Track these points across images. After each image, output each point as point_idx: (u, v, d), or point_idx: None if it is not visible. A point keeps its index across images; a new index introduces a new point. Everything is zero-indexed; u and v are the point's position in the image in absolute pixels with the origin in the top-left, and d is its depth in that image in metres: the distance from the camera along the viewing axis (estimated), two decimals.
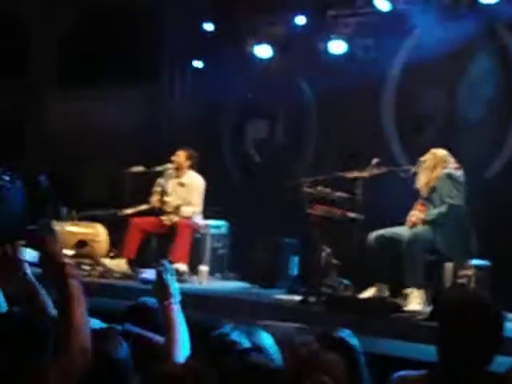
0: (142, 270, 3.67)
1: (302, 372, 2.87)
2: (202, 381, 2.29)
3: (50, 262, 2.89)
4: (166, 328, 3.39)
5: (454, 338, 3.10)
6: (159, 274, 3.51)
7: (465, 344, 3.07)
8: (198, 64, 10.94)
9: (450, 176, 7.54)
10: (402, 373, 2.92)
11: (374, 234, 7.70)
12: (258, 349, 3.28)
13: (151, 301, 3.89)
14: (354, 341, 3.37)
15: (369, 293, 7.67)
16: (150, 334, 3.50)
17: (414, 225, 7.60)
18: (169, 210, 9.52)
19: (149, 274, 3.76)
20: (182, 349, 3.33)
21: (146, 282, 3.84)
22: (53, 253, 2.91)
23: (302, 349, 3.10)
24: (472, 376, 3.02)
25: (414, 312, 7.27)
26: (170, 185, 9.70)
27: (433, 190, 7.62)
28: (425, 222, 7.55)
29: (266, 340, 3.53)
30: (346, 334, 3.40)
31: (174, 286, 3.52)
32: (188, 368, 2.44)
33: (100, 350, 2.82)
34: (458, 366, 3.08)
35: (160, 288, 3.49)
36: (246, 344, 3.21)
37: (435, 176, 7.60)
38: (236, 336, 3.30)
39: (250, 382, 2.67)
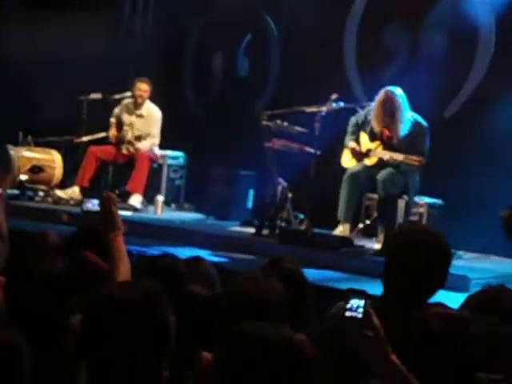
0: (86, 199, 3.61)
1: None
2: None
3: None
4: (110, 257, 3.35)
5: (399, 271, 3.11)
6: (105, 205, 3.42)
7: (408, 277, 3.08)
8: None
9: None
10: (342, 303, 2.93)
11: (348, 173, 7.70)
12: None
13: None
14: (300, 271, 3.38)
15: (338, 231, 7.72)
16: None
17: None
18: (127, 140, 9.43)
19: (91, 204, 3.62)
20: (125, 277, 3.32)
21: (87, 212, 3.70)
22: None
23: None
24: (410, 309, 3.04)
25: (363, 247, 7.36)
26: (127, 117, 9.59)
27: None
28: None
29: (211, 270, 3.53)
30: (292, 263, 3.40)
31: (119, 217, 3.43)
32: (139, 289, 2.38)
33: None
34: (400, 298, 3.09)
35: (105, 219, 3.41)
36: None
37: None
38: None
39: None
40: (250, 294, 2.74)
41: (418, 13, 8.96)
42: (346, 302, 2.31)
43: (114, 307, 2.20)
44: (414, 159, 7.31)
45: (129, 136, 9.43)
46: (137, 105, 9.58)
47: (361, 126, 7.86)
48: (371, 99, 7.95)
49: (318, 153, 7.84)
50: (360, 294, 2.33)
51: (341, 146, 8.01)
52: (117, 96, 9.59)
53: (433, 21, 8.95)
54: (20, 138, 9.83)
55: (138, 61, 10.78)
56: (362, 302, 2.30)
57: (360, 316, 2.29)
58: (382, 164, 7.64)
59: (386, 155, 7.54)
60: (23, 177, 9.36)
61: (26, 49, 10.57)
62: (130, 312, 2.19)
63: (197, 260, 3.43)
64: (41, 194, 9.49)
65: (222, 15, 10.42)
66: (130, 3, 11.19)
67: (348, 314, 2.30)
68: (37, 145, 9.90)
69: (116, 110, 9.65)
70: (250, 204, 9.29)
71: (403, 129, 7.55)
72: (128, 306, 2.20)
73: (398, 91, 7.60)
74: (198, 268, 3.35)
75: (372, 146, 7.75)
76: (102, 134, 9.62)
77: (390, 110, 7.56)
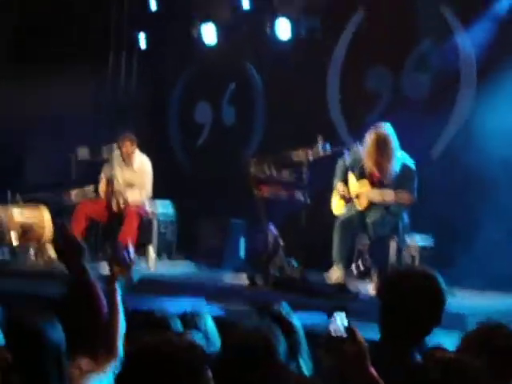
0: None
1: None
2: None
3: None
4: (110, 308, 3.42)
5: (395, 314, 3.11)
6: (64, 234, 3.50)
7: (404, 320, 3.08)
8: (143, 42, 10.82)
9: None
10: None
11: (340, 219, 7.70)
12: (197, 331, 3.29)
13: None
14: (291, 315, 3.39)
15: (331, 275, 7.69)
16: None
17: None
18: (116, 195, 9.43)
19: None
20: (121, 328, 3.34)
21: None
22: None
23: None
24: (408, 352, 3.03)
25: (358, 293, 7.33)
26: (119, 172, 9.60)
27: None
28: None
29: (209, 324, 3.53)
30: (284, 308, 3.41)
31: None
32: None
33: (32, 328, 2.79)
34: (397, 341, 3.09)
35: (71, 246, 3.48)
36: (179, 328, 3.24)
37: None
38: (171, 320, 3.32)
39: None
40: (248, 348, 2.75)
41: (400, 54, 9.06)
42: (330, 318, 2.35)
43: (159, 358, 2.19)
44: (405, 198, 7.32)
45: (118, 190, 9.43)
46: (125, 161, 9.60)
47: (349, 168, 7.86)
48: (357, 141, 7.98)
49: (308, 198, 7.85)
50: (341, 310, 2.37)
51: (330, 191, 8.01)
52: (105, 155, 9.57)
53: (414, 61, 9.04)
54: (9, 197, 9.81)
55: (124, 114, 10.83)
56: (344, 319, 2.34)
57: (344, 334, 2.32)
58: (371, 205, 7.63)
59: (376, 197, 7.54)
60: (14, 242, 9.32)
61: (11, 105, 10.59)
62: (175, 364, 2.19)
63: (193, 313, 3.44)
64: (32, 252, 9.43)
65: (205, 66, 10.50)
66: (114, 57, 11.28)
67: (332, 333, 2.34)
68: (26, 202, 9.88)
69: (106, 167, 9.66)
70: (242, 252, 9.27)
71: (394, 166, 7.53)
72: (173, 358, 2.20)
73: (388, 128, 7.60)
74: (195, 321, 3.35)
75: (361, 188, 7.74)
76: (91, 189, 9.61)
77: (382, 149, 7.50)
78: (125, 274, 3.56)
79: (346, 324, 2.36)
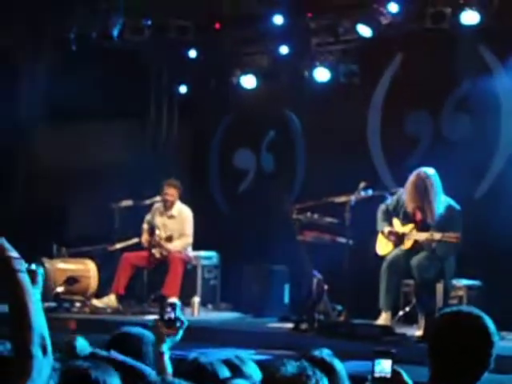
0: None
1: None
2: None
3: None
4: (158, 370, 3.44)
5: (444, 357, 3.06)
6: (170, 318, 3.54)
7: (453, 362, 3.03)
8: (183, 90, 10.96)
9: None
10: None
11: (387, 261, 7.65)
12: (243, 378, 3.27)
13: (134, 329, 3.88)
14: (334, 361, 3.36)
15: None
16: (134, 362, 3.47)
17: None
18: (159, 243, 9.49)
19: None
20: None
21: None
22: None
23: None
24: None
25: (405, 335, 7.24)
26: (160, 219, 9.68)
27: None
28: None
29: (254, 371, 3.52)
30: (326, 354, 3.38)
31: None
32: None
33: (87, 375, 2.79)
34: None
35: (162, 329, 3.53)
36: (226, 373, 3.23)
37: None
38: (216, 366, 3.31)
39: None
40: None
41: (439, 96, 9.05)
42: (374, 363, 2.33)
43: None
44: (452, 236, 7.23)
45: (161, 238, 9.49)
46: (167, 207, 9.67)
47: (392, 212, 7.82)
48: (399, 185, 7.96)
49: (351, 242, 7.82)
50: (387, 354, 2.35)
51: (373, 234, 7.97)
52: (147, 201, 9.69)
53: (454, 102, 9.02)
54: (54, 250, 9.92)
55: (166, 164, 10.94)
56: (389, 362, 2.32)
57: (388, 376, 2.31)
58: (417, 247, 7.56)
59: (423, 236, 7.46)
60: (59, 289, 9.40)
61: (55, 161, 10.76)
62: None
63: (238, 359, 3.43)
64: (77, 304, 9.51)
65: (244, 112, 10.57)
66: (155, 108, 11.42)
67: (377, 374, 2.32)
68: (71, 255, 9.98)
69: (148, 216, 9.74)
70: (286, 299, 9.24)
71: (438, 209, 7.49)
72: None
73: (431, 171, 7.57)
74: (241, 368, 3.34)
75: (406, 229, 7.69)
76: (135, 240, 9.69)
77: (423, 191, 7.49)
78: (173, 335, 3.60)
79: (391, 367, 2.34)
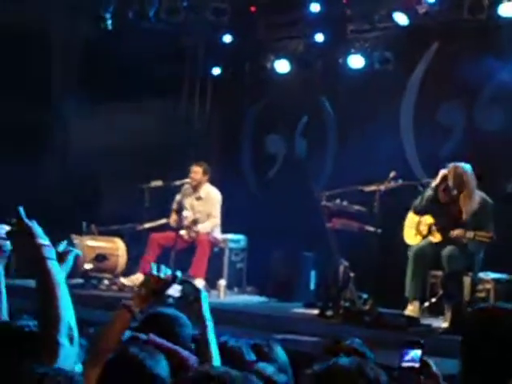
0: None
1: None
2: None
3: (25, 243, 2.65)
4: (202, 350, 3.32)
5: (478, 349, 3.06)
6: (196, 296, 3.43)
7: (488, 355, 3.03)
8: (216, 72, 10.99)
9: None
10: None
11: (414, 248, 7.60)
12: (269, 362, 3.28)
13: (167, 310, 3.79)
14: (365, 349, 3.35)
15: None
16: (175, 347, 3.38)
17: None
18: (187, 224, 9.54)
19: (173, 290, 3.52)
20: None
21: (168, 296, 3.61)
22: (28, 232, 2.64)
23: None
24: None
25: (431, 326, 7.23)
26: (188, 200, 9.73)
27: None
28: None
29: (281, 355, 3.52)
30: (356, 343, 3.38)
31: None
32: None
33: (140, 364, 2.79)
34: (481, 378, 3.03)
35: (194, 310, 3.42)
36: (252, 357, 3.22)
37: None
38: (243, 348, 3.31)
39: None
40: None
41: (474, 87, 8.99)
42: (402, 353, 2.34)
43: None
44: (485, 235, 7.14)
45: (189, 219, 9.53)
46: (194, 188, 9.71)
47: (428, 204, 7.66)
48: (429, 176, 7.91)
49: (379, 231, 7.81)
50: (416, 344, 2.36)
51: (401, 223, 7.95)
52: (177, 182, 9.73)
53: (488, 94, 8.96)
54: (84, 228, 10.00)
55: (197, 146, 10.97)
56: (418, 352, 2.32)
57: (417, 365, 2.31)
58: (447, 241, 7.50)
59: (455, 232, 7.36)
60: (88, 266, 9.49)
61: (87, 140, 10.82)
62: None
63: (265, 343, 3.44)
64: (105, 282, 9.60)
65: (278, 98, 10.57)
66: (187, 90, 11.46)
67: (405, 364, 2.33)
68: (100, 233, 10.06)
69: (177, 197, 9.79)
70: (312, 285, 9.25)
71: (472, 204, 7.41)
72: None
73: (467, 167, 7.51)
74: (267, 351, 3.35)
75: (438, 222, 7.63)
76: (164, 221, 9.74)
77: (459, 185, 7.42)
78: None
79: (419, 358, 2.35)
